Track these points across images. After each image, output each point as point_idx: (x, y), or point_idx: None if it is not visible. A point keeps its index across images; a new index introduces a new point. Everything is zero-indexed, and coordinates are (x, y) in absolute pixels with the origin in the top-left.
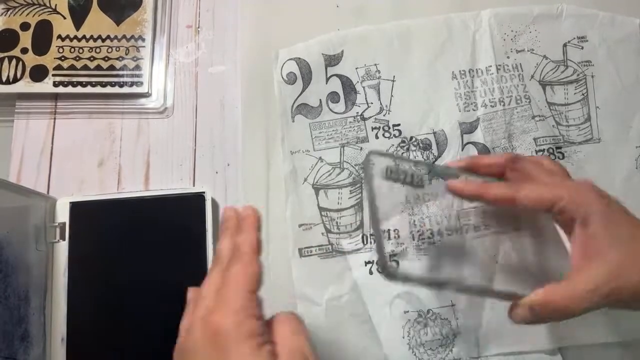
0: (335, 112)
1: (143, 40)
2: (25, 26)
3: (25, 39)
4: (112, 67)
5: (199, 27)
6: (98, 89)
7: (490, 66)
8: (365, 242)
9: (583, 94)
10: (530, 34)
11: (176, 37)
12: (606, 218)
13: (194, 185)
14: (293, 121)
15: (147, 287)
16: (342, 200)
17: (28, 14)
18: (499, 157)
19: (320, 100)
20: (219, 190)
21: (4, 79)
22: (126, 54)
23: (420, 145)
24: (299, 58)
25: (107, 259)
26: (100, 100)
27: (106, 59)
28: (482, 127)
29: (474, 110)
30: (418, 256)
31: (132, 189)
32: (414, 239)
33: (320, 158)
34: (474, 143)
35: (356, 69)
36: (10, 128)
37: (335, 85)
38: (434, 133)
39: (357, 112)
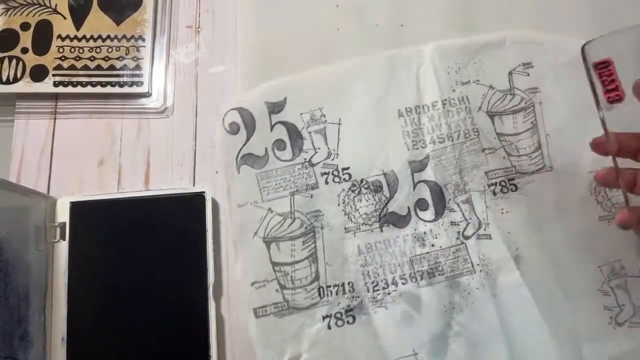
0: (283, 160)
1: (143, 40)
2: (25, 26)
3: (25, 39)
4: (112, 67)
5: (199, 27)
6: (98, 89)
7: (436, 101)
8: (322, 296)
9: (532, 122)
10: (475, 65)
11: (176, 37)
12: None
13: (194, 185)
14: (239, 172)
15: (147, 287)
16: (296, 252)
17: (28, 14)
18: None
19: (266, 148)
20: (219, 190)
21: (4, 79)
22: (126, 54)
23: (372, 187)
24: (241, 108)
25: (107, 258)
26: (100, 100)
27: (106, 58)
28: (432, 164)
29: (423, 147)
30: (374, 309)
31: (132, 189)
32: (368, 291)
33: (269, 209)
34: (425, 181)
35: (301, 114)
36: (10, 128)
37: (281, 133)
38: (384, 174)
39: (305, 159)
